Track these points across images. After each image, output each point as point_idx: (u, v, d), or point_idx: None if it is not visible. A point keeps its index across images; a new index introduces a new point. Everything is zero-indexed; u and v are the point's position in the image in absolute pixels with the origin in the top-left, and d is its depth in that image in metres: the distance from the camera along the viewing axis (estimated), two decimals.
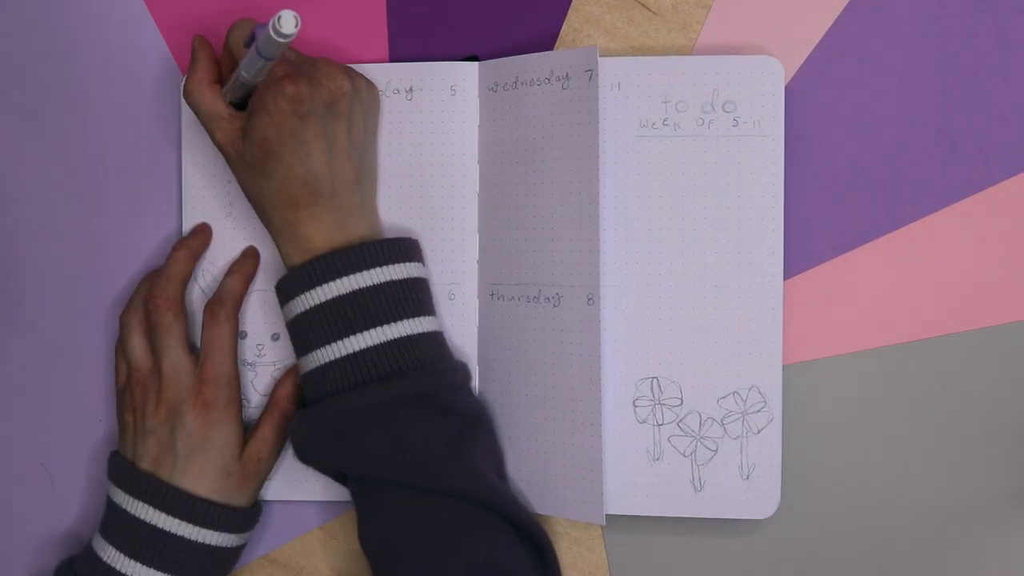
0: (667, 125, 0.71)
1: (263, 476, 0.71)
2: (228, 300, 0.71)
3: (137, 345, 0.71)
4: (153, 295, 0.70)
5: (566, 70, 0.70)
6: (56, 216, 0.75)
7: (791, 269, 0.72)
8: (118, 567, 0.67)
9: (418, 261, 0.70)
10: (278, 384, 0.72)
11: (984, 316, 0.72)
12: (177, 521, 0.67)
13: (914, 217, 0.72)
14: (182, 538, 0.67)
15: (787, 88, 0.72)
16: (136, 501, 0.68)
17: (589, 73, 0.69)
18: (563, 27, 0.73)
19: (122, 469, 0.69)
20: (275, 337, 0.74)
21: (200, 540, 0.68)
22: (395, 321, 0.67)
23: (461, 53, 0.74)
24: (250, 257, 0.74)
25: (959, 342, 0.72)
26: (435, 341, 0.69)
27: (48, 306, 0.75)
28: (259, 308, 0.74)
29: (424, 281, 0.70)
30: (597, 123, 0.69)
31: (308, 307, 0.67)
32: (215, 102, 0.69)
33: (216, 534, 0.68)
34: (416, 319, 0.68)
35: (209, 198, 0.74)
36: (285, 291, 0.68)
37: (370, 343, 0.66)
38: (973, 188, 0.72)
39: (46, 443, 0.76)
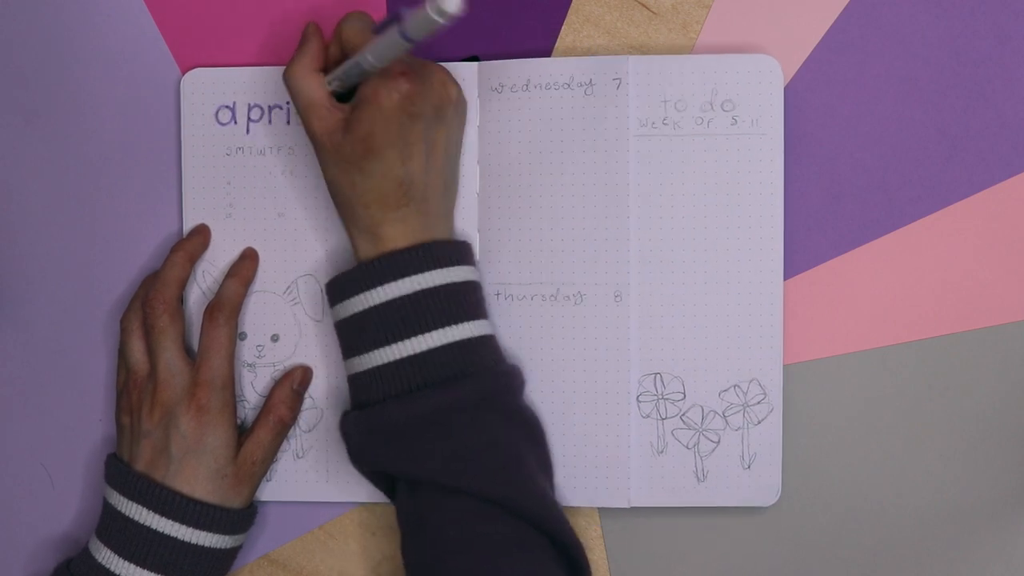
0: (667, 124, 0.71)
1: (258, 479, 0.71)
2: (227, 304, 0.71)
3: (135, 348, 0.70)
4: (150, 297, 0.70)
5: (589, 76, 0.71)
6: (56, 216, 0.76)
7: (791, 269, 0.72)
8: (113, 568, 0.67)
9: (472, 264, 0.69)
10: (275, 387, 0.72)
11: (984, 316, 0.71)
12: (170, 522, 0.67)
13: (914, 217, 0.72)
14: (176, 539, 0.67)
15: (787, 88, 0.72)
16: (130, 503, 0.67)
17: (618, 81, 0.70)
18: (563, 27, 0.73)
19: (118, 471, 0.69)
20: (275, 338, 0.74)
21: (194, 541, 0.67)
22: (455, 323, 0.66)
23: (461, 53, 0.74)
24: (249, 259, 0.73)
25: (959, 342, 0.72)
26: (492, 345, 0.68)
27: (48, 306, 0.75)
28: (259, 309, 0.74)
29: (478, 284, 0.69)
30: (627, 128, 0.70)
31: (367, 306, 0.66)
32: (318, 90, 0.67)
33: (210, 535, 0.68)
34: (474, 322, 0.67)
35: (209, 198, 0.74)
36: (341, 289, 0.67)
37: (431, 345, 0.65)
38: (973, 188, 0.72)
39: (46, 443, 0.76)
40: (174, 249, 0.72)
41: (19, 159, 0.76)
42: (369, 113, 0.64)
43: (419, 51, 0.74)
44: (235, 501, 0.69)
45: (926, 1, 0.72)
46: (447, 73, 0.68)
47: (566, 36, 0.73)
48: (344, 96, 0.68)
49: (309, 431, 0.74)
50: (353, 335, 0.67)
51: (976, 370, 0.71)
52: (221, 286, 0.72)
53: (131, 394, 0.70)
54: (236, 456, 0.69)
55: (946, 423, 0.72)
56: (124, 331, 0.71)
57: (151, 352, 0.70)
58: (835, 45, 0.72)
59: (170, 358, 0.69)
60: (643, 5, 0.73)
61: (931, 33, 0.72)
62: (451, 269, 0.67)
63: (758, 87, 0.71)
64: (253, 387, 0.74)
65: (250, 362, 0.74)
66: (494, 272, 0.73)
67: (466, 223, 0.73)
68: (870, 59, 0.72)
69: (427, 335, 0.65)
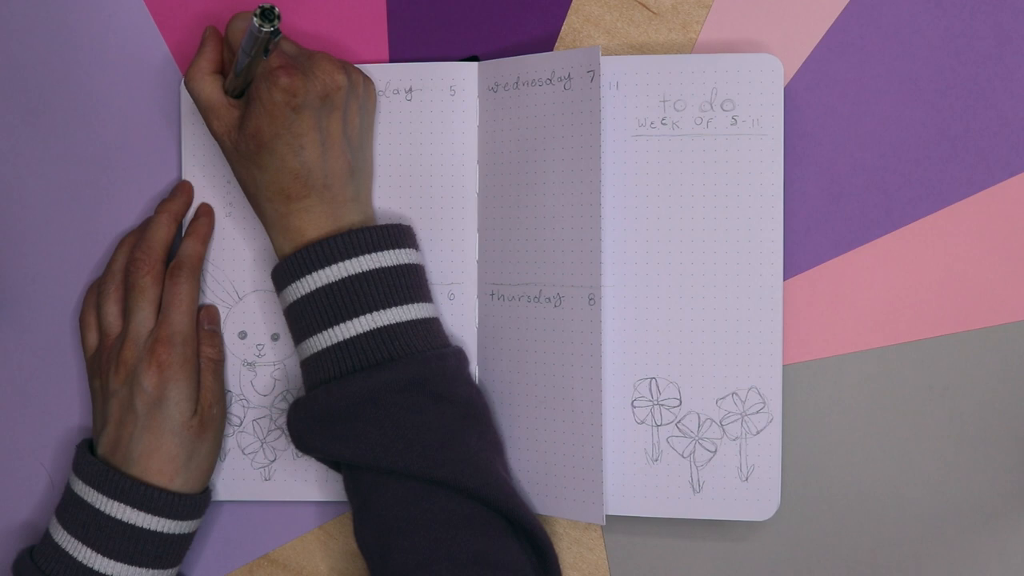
0: (665, 124, 0.71)
1: (219, 422, 0.72)
2: (187, 263, 0.72)
3: (110, 311, 0.71)
4: (136, 257, 0.71)
5: (568, 70, 0.70)
6: (56, 215, 0.76)
7: (791, 269, 0.72)
8: (67, 549, 0.68)
9: (410, 247, 0.70)
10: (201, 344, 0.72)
11: (984, 316, 0.71)
12: (121, 506, 0.68)
13: (914, 217, 0.72)
14: (125, 523, 0.68)
15: (787, 88, 0.72)
16: (87, 487, 0.68)
17: (591, 74, 0.69)
18: (563, 27, 0.74)
19: (81, 454, 0.70)
20: (275, 337, 0.74)
21: (144, 526, 0.68)
22: (384, 308, 0.67)
23: (461, 53, 0.74)
24: (204, 216, 0.74)
25: (959, 342, 0.72)
26: (427, 328, 0.69)
27: (48, 306, 0.76)
28: (259, 308, 0.74)
29: (417, 267, 0.70)
30: (599, 123, 0.69)
31: (300, 295, 0.68)
32: (213, 91, 0.69)
33: (163, 520, 0.68)
34: (406, 306, 0.68)
35: (208, 197, 0.74)
36: (278, 280, 0.69)
37: (358, 331, 0.67)
38: (973, 188, 0.72)
39: (46, 443, 0.76)
40: (158, 210, 0.73)
41: (19, 159, 0.76)
42: (255, 110, 0.66)
43: (417, 48, 0.74)
44: (202, 450, 0.70)
45: (926, 1, 0.72)
46: (334, 62, 0.68)
47: (566, 36, 0.73)
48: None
49: None
50: (295, 323, 0.69)
51: (976, 370, 0.71)
52: (180, 246, 0.73)
53: (101, 356, 0.71)
54: (197, 407, 0.70)
55: (946, 423, 0.71)
56: (101, 295, 0.72)
57: (126, 311, 0.71)
58: (835, 45, 0.72)
59: (142, 318, 0.70)
60: (643, 5, 0.73)
61: (931, 33, 0.72)
62: (381, 254, 0.68)
63: (759, 87, 0.70)
64: (253, 386, 0.74)
65: (250, 361, 0.74)
66: (490, 272, 0.73)
67: (466, 223, 0.73)
68: (870, 59, 0.72)
69: (355, 320, 0.67)
